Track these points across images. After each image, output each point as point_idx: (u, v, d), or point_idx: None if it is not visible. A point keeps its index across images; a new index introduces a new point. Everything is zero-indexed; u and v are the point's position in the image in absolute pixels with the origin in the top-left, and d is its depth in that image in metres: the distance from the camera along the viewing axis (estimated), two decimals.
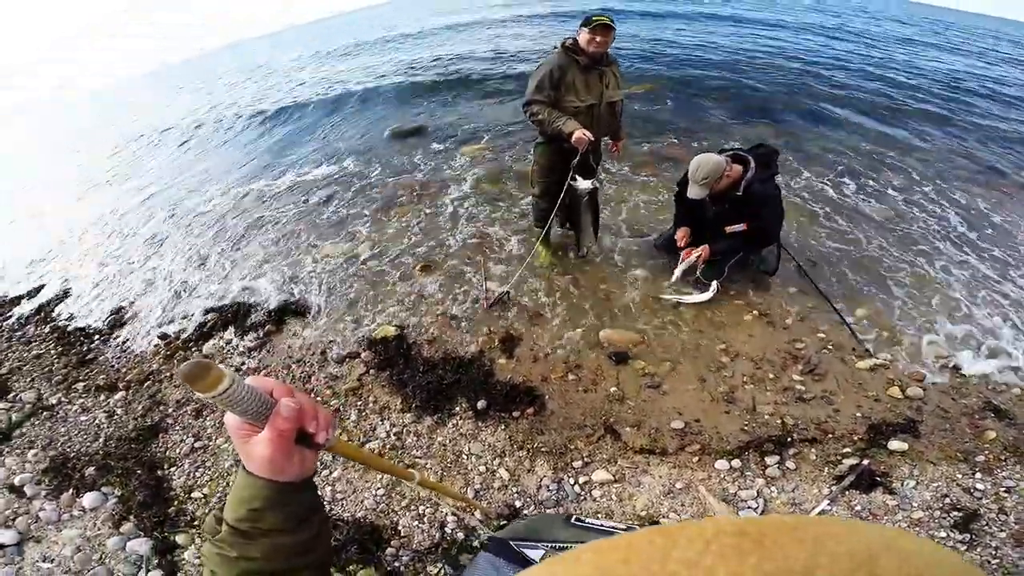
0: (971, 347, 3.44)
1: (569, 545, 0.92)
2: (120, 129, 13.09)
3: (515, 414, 3.04)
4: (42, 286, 5.28)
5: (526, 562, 0.86)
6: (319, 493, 0.71)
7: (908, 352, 3.39)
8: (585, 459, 2.78)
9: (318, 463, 2.92)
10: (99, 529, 2.78)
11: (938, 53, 15.19)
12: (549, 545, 0.92)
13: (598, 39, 3.34)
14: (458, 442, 2.92)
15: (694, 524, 0.26)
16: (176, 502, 2.85)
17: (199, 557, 2.63)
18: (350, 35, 21.98)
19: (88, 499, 2.89)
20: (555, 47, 3.53)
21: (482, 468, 2.78)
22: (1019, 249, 4.49)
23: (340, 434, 3.15)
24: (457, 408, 3.10)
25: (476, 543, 2.47)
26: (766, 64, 10.76)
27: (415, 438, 2.96)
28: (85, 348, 4.05)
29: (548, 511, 2.61)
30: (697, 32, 14.29)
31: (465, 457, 2.84)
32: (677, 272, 3.83)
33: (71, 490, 2.95)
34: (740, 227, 3.61)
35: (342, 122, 9.42)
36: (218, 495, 2.86)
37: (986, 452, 2.72)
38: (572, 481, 2.68)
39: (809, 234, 4.63)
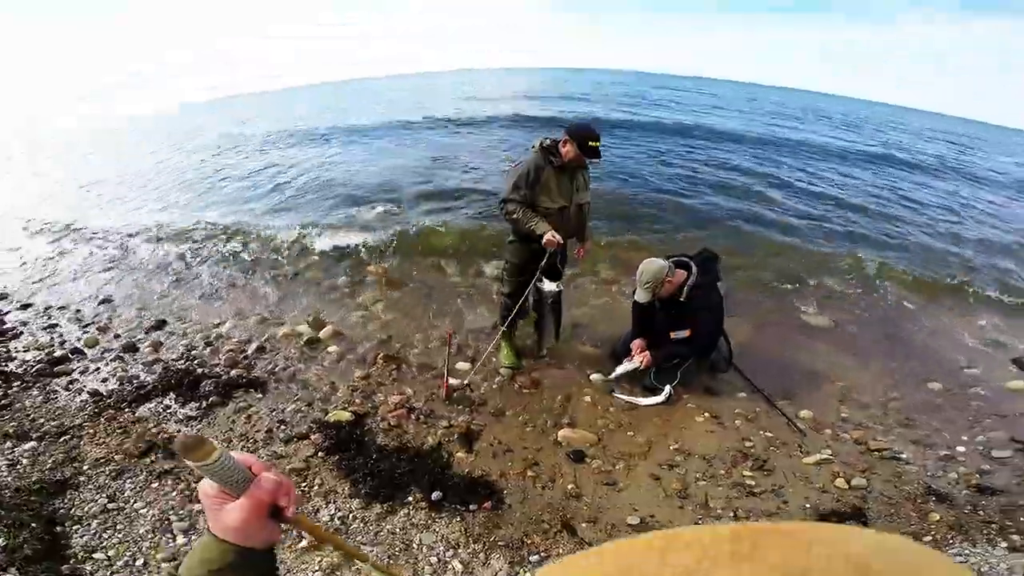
0: (909, 439, 3.69)
1: None
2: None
3: (472, 507, 2.93)
4: None
5: None
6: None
7: (850, 447, 3.57)
8: (542, 554, 2.68)
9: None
10: None
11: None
12: None
13: (586, 160, 3.57)
14: (409, 531, 2.77)
15: (690, 530, 0.27)
16: (72, 560, 2.50)
17: None
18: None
19: None
20: (532, 146, 3.71)
21: (433, 559, 2.62)
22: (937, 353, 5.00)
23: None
24: (410, 498, 2.97)
25: None
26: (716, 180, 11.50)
27: (361, 524, 2.81)
28: (1, 392, 3.65)
29: None
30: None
31: (416, 547, 2.69)
32: (618, 370, 3.99)
33: None
34: (684, 333, 3.85)
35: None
36: (125, 559, 2.51)
37: (932, 532, 2.87)
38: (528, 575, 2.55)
39: (750, 337, 4.94)
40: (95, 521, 2.73)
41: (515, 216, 3.61)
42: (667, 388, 3.93)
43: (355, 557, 0.92)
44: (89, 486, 2.95)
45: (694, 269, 3.82)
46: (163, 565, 2.53)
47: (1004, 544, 2.78)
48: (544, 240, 3.53)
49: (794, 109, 36.33)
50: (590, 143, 3.48)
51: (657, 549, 0.26)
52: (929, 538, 2.86)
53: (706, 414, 3.86)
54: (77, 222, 8.18)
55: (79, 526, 2.70)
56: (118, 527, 2.71)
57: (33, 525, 2.64)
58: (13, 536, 2.57)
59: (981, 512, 3.03)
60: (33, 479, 2.96)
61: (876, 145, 19.84)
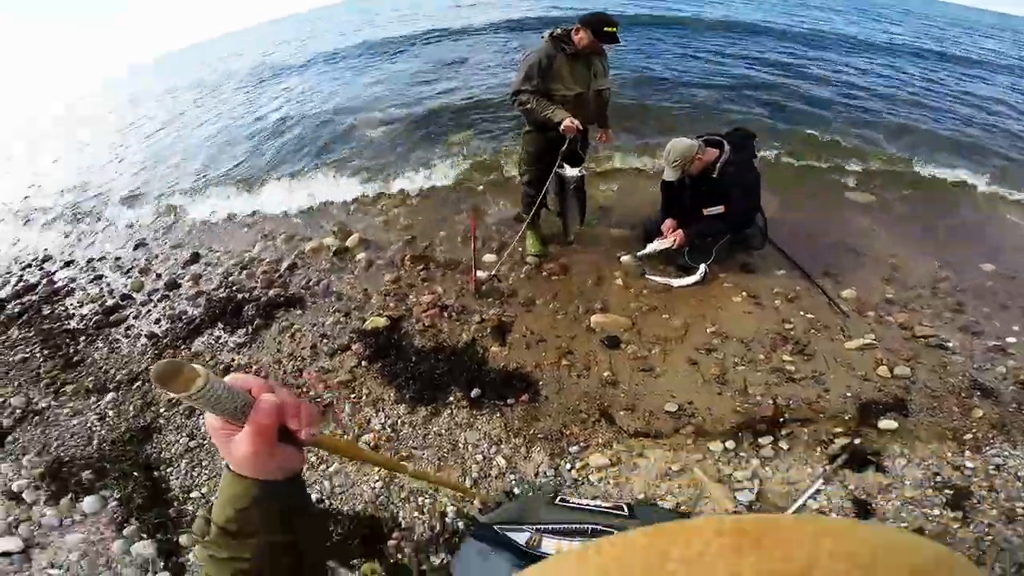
0: (956, 326, 3.53)
1: (556, 526, 0.96)
2: None
3: (510, 401, 3.05)
4: (29, 286, 5.14)
5: (511, 545, 0.88)
6: (317, 488, 0.74)
7: (894, 332, 3.46)
8: (581, 444, 2.80)
9: (314, 458, 3.02)
10: (102, 533, 2.74)
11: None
12: (533, 527, 0.94)
13: (600, 45, 3.44)
14: (454, 432, 2.93)
15: (694, 523, 0.27)
16: (176, 503, 2.81)
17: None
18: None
19: (87, 503, 2.85)
20: (543, 36, 3.56)
21: (479, 457, 2.79)
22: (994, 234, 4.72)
23: (334, 429, 3.14)
24: (451, 398, 3.10)
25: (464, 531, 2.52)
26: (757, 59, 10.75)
27: (410, 429, 2.97)
28: (71, 350, 3.97)
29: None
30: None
31: (461, 447, 2.85)
32: (649, 247, 3.92)
33: (69, 495, 2.90)
34: (718, 209, 3.70)
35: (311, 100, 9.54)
36: (216, 495, 2.89)
37: (974, 430, 2.79)
38: (569, 466, 2.70)
39: (790, 215, 4.74)
40: (183, 461, 3.02)
41: (529, 106, 3.53)
42: (702, 267, 3.83)
43: (392, 468, 0.97)
44: (169, 427, 3.25)
45: (727, 146, 3.65)
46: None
47: None
48: (563, 127, 3.42)
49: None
50: (605, 28, 3.35)
51: (659, 543, 0.26)
52: (970, 436, 2.77)
53: (743, 293, 3.75)
54: (88, 183, 8.24)
55: (172, 468, 3.00)
56: (203, 463, 3.00)
57: (135, 474, 2.95)
58: (123, 488, 2.90)
59: None
60: (123, 429, 3.28)
61: (928, 41, 16.61)
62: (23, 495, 2.96)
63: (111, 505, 2.86)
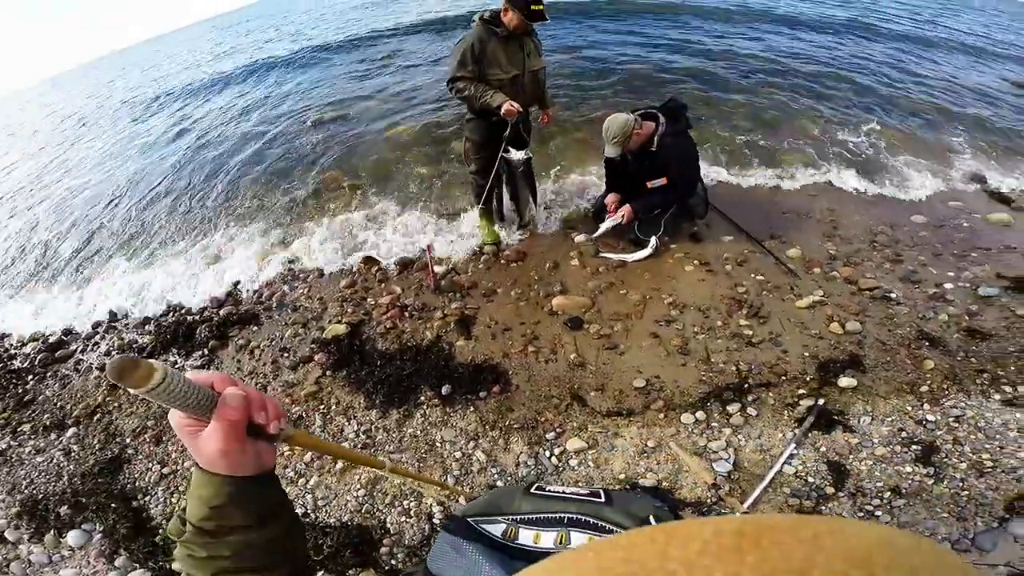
0: (897, 276, 3.70)
1: (533, 516, 0.95)
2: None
3: (482, 395, 3.08)
4: None
5: (486, 537, 0.87)
6: (300, 503, 0.74)
7: (841, 287, 3.61)
8: (557, 430, 2.85)
9: (292, 473, 3.02)
10: (95, 566, 2.69)
11: None
12: (509, 518, 0.93)
13: (528, 24, 3.40)
14: (429, 431, 2.94)
15: (693, 523, 0.27)
16: (160, 530, 2.78)
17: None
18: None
19: (72, 538, 2.80)
20: (472, 20, 3.52)
21: (458, 454, 2.81)
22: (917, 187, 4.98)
23: (307, 429, 3.11)
24: (422, 397, 3.11)
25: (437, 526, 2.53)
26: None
27: (385, 433, 2.97)
28: (20, 390, 3.83)
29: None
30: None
31: (439, 445, 2.87)
32: (601, 228, 4.01)
33: (52, 531, 2.85)
34: (660, 182, 3.80)
35: (260, 108, 9.22)
36: (187, 493, 2.87)
37: (928, 382, 2.92)
38: (548, 453, 2.75)
39: (730, 181, 4.95)
40: (160, 489, 2.97)
41: (467, 93, 3.50)
42: (652, 239, 3.91)
43: (370, 465, 0.95)
44: (139, 457, 3.17)
45: (662, 119, 3.71)
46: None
47: (998, 397, 2.83)
48: (503, 111, 3.41)
49: None
50: (532, 7, 3.30)
51: (658, 543, 0.26)
52: (925, 388, 2.90)
53: (695, 262, 3.84)
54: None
55: (149, 496, 2.94)
56: (180, 489, 2.95)
57: (113, 505, 2.89)
58: (104, 519, 2.84)
59: (973, 360, 3.05)
60: (90, 462, 3.19)
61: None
62: (5, 534, 2.89)
63: (96, 538, 2.81)
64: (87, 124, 12.94)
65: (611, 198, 4.10)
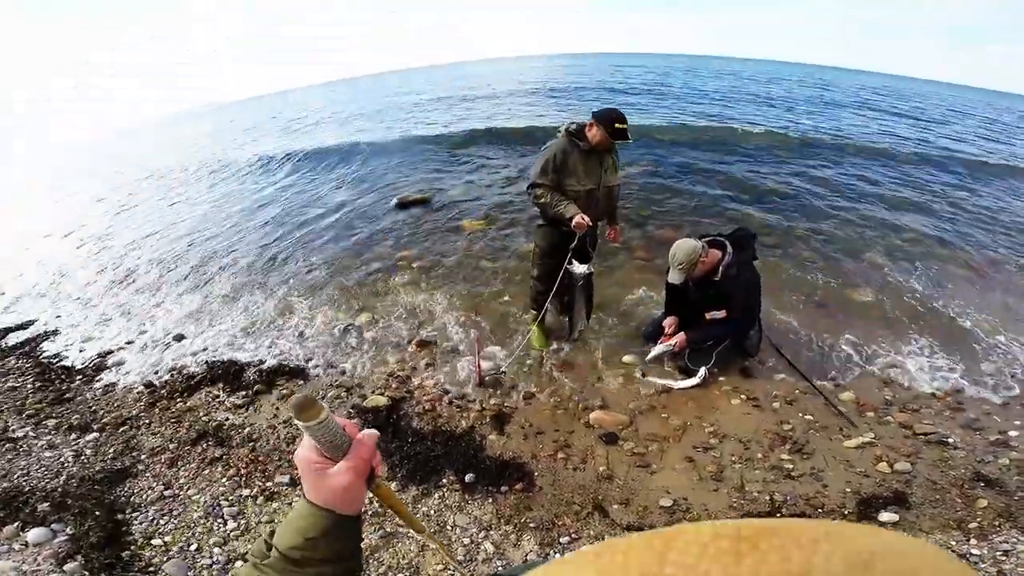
0: (957, 424, 3.46)
1: None
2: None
3: (503, 489, 2.95)
4: (33, 320, 5.18)
5: None
6: None
7: (894, 430, 3.39)
8: (572, 535, 2.67)
9: None
10: (38, 565, 2.52)
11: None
12: None
13: (612, 141, 3.52)
14: (443, 513, 2.81)
15: (692, 527, 0.27)
16: (133, 546, 2.63)
17: None
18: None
19: (33, 534, 2.66)
20: (559, 132, 3.68)
21: (466, 540, 2.65)
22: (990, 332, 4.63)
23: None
24: (444, 480, 3.00)
25: None
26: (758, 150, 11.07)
27: None
28: (64, 387, 3.90)
29: None
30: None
31: (449, 528, 2.72)
32: (654, 351, 3.92)
33: (16, 523, 2.72)
34: (720, 314, 3.72)
35: (349, 184, 9.93)
36: (180, 544, 2.64)
37: (979, 519, 2.69)
38: (558, 556, 2.55)
39: (791, 316, 4.72)
40: (153, 508, 2.86)
41: (543, 200, 3.59)
42: (702, 370, 3.81)
43: (415, 528, 0.91)
44: (147, 474, 3.11)
45: (729, 248, 3.67)
46: (215, 550, 2.66)
47: None
48: (573, 223, 3.48)
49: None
50: (616, 125, 3.44)
51: (657, 547, 0.25)
52: (975, 524, 2.69)
53: (743, 396, 3.73)
54: (108, 228, 8.88)
55: (138, 513, 2.84)
56: (174, 513, 2.83)
57: (97, 513, 2.78)
58: (79, 524, 2.72)
59: None
60: (96, 468, 3.14)
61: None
62: None
63: (59, 539, 2.67)
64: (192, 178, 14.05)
65: (670, 321, 4.01)
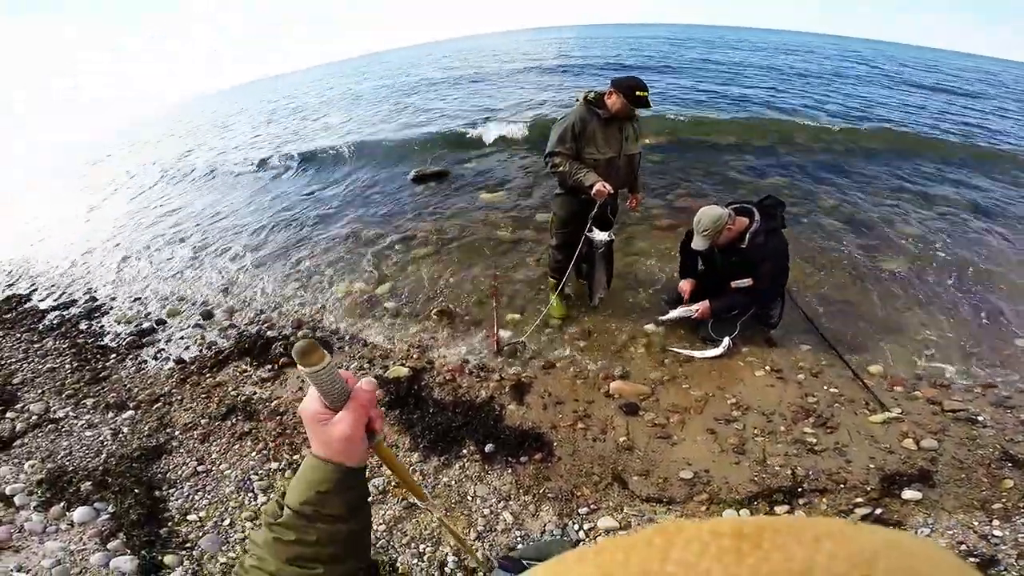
0: (988, 401, 3.29)
1: None
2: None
3: (523, 459, 2.92)
4: (71, 300, 5.30)
5: None
6: None
7: (922, 406, 3.24)
8: (591, 506, 2.64)
9: None
10: (84, 544, 2.61)
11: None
12: None
13: (633, 109, 3.40)
14: (463, 483, 2.80)
15: (693, 525, 0.26)
16: (170, 523, 2.71)
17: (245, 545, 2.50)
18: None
19: (78, 513, 2.74)
20: (576, 99, 3.56)
21: (486, 511, 2.64)
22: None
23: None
24: (464, 450, 2.99)
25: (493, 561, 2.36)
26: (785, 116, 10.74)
27: (420, 477, 2.85)
28: (100, 366, 3.98)
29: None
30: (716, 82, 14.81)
31: (470, 499, 2.72)
32: (672, 313, 3.81)
33: (62, 503, 2.81)
34: (746, 282, 3.54)
35: (366, 164, 9.77)
36: (214, 519, 2.70)
37: (1004, 500, 2.58)
38: (577, 527, 2.54)
39: (819, 286, 4.50)
40: (187, 484, 2.93)
41: (561, 168, 3.48)
42: (726, 340, 3.67)
43: (419, 496, 0.94)
44: (181, 450, 3.17)
45: (756, 215, 3.46)
46: (247, 524, 2.67)
47: None
48: (594, 191, 3.37)
49: None
50: (637, 93, 3.29)
51: (658, 545, 0.24)
52: (999, 505, 2.56)
53: (767, 367, 3.60)
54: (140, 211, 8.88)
55: (174, 489, 2.91)
56: (207, 488, 2.90)
57: (136, 491, 2.86)
58: (120, 503, 2.80)
59: None
60: (134, 446, 3.21)
61: None
62: (15, 499, 2.87)
63: (103, 518, 2.75)
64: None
65: (685, 284, 3.87)
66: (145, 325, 4.57)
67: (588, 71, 19.30)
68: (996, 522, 2.47)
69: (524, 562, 0.96)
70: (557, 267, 4.01)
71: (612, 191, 3.44)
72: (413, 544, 2.49)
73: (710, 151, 8.73)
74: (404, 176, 8.35)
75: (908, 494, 2.62)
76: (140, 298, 5.20)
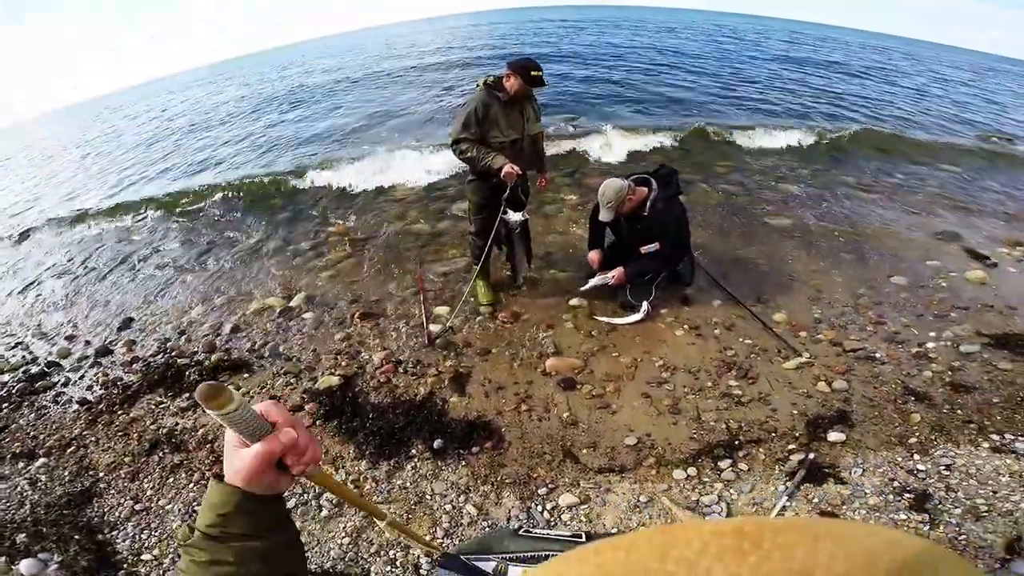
0: (881, 338, 4.06)
1: (520, 555, 1.10)
2: None
3: (474, 449, 3.25)
4: None
5: (477, 572, 1.00)
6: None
7: (826, 348, 3.95)
8: (549, 485, 3.01)
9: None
10: None
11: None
12: (499, 556, 1.08)
13: (530, 89, 3.81)
14: (419, 483, 3.09)
15: (695, 524, 0.29)
16: (125, 565, 2.83)
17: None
18: None
19: (24, 566, 2.81)
20: (477, 85, 3.94)
21: (448, 507, 2.95)
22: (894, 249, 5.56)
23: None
24: (413, 451, 3.28)
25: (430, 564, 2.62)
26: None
27: (373, 484, 3.12)
28: None
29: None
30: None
31: (429, 497, 3.01)
32: (590, 283, 4.40)
33: (3, 558, 2.88)
34: (653, 247, 4.18)
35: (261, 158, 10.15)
36: (169, 556, 2.83)
37: (916, 434, 3.17)
38: (540, 508, 2.89)
39: (718, 246, 5.45)
40: (130, 524, 3.05)
41: (469, 154, 3.86)
42: (644, 304, 4.27)
43: (372, 513, 1.05)
44: (111, 491, 3.27)
45: (654, 184, 4.13)
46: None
47: (986, 445, 3.08)
48: (503, 173, 3.76)
49: None
50: (532, 73, 3.74)
51: (658, 544, 0.28)
52: (914, 440, 3.14)
53: (685, 326, 4.19)
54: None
55: (117, 531, 3.01)
56: (152, 526, 3.03)
57: (77, 537, 2.95)
58: (64, 550, 2.88)
59: (959, 411, 3.34)
60: (58, 493, 3.26)
61: None
62: None
63: (52, 568, 2.84)
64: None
65: (594, 255, 4.54)
66: (34, 370, 4.49)
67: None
68: (916, 456, 3.00)
69: (462, 558, 1.08)
70: (478, 252, 4.39)
71: (520, 172, 3.86)
72: (382, 552, 2.77)
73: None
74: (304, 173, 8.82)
75: (833, 436, 3.13)
76: (20, 341, 5.07)
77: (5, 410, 4.03)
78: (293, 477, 0.79)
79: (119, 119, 25.73)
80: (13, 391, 4.21)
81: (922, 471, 2.95)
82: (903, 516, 2.69)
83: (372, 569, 2.74)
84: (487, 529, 2.89)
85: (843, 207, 6.68)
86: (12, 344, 5.08)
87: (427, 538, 2.82)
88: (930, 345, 3.98)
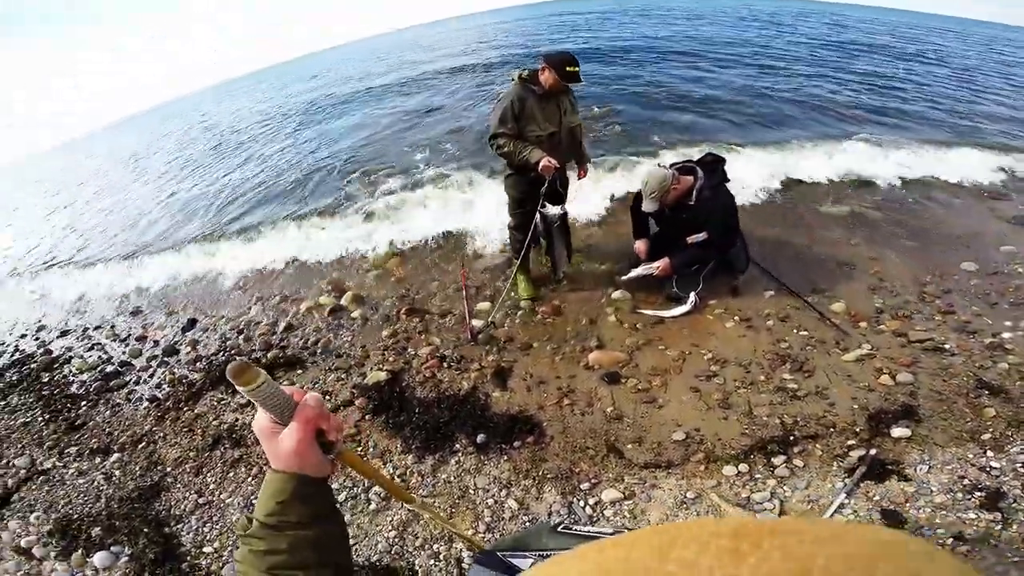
0: (950, 328, 3.73)
1: (556, 552, 0.99)
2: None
3: (516, 444, 3.21)
4: (24, 354, 5.62)
5: (514, 570, 0.99)
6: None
7: (889, 339, 3.68)
8: (592, 480, 2.94)
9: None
10: None
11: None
12: (536, 554, 1.05)
13: (564, 84, 3.72)
14: (463, 478, 3.08)
15: (694, 524, 0.29)
16: (188, 558, 2.96)
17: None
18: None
19: (99, 559, 3.00)
20: (512, 79, 3.88)
21: (490, 501, 2.92)
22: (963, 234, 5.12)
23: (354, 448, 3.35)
24: (457, 445, 3.27)
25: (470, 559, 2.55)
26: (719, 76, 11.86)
27: (419, 478, 3.14)
28: (73, 414, 4.21)
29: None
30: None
31: (472, 492, 3.00)
32: (633, 272, 4.25)
33: (80, 551, 3.07)
34: (701, 236, 4.00)
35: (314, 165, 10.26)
36: (228, 548, 2.95)
37: (990, 430, 2.91)
38: (582, 503, 2.82)
39: (768, 236, 5.16)
40: (193, 517, 3.19)
41: (506, 149, 3.81)
42: (691, 296, 4.09)
43: (400, 498, 1.06)
44: (177, 485, 3.42)
45: (700, 173, 3.95)
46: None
47: None
48: (540, 167, 3.70)
49: None
50: (567, 68, 3.65)
51: (659, 544, 0.28)
52: (988, 435, 2.89)
53: (735, 318, 3.99)
54: (78, 251, 9.25)
55: (182, 524, 3.16)
56: (214, 519, 3.17)
57: (146, 530, 3.12)
58: (134, 543, 3.05)
59: None
60: (130, 487, 3.45)
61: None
62: (32, 551, 3.13)
63: (123, 560, 3.02)
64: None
65: (640, 244, 4.36)
66: (110, 369, 4.77)
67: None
68: (990, 453, 2.77)
69: (499, 554, 1.06)
70: (518, 247, 4.34)
71: (558, 165, 3.78)
72: (427, 546, 2.78)
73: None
74: (354, 172, 9.14)
75: (897, 431, 2.91)
76: (97, 343, 5.39)
77: (84, 408, 4.30)
78: (334, 461, 0.82)
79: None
80: (91, 390, 4.50)
81: (996, 468, 2.73)
82: (972, 515, 2.51)
83: (417, 562, 2.76)
84: (527, 524, 2.85)
85: (902, 191, 6.23)
86: (90, 345, 5.41)
87: (469, 532, 2.86)
88: (1006, 335, 3.64)
